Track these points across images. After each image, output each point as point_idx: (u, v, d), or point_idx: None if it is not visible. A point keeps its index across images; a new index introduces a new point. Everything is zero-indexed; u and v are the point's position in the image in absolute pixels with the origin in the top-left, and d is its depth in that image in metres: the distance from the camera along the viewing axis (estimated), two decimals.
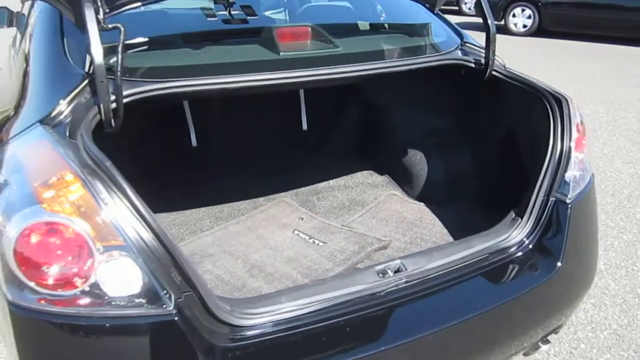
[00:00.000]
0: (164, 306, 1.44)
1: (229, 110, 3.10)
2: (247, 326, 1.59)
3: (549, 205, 2.03)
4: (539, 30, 11.84)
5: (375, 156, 3.31)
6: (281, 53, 2.12)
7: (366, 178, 3.18)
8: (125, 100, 1.78)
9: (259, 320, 1.61)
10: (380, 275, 1.81)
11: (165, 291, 1.45)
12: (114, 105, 1.74)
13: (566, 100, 2.13)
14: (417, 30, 2.73)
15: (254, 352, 1.53)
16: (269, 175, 3.12)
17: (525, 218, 2.04)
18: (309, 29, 2.37)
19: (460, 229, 2.60)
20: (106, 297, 1.41)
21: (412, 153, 3.01)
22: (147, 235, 1.45)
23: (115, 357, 1.45)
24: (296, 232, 2.64)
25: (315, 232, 2.64)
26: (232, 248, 2.48)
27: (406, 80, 2.91)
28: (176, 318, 1.45)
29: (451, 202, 2.86)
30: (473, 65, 2.43)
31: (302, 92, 3.00)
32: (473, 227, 2.63)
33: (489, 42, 2.33)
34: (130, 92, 1.81)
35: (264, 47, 2.20)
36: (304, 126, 3.09)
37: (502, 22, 12.08)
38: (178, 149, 3.02)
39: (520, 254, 2.00)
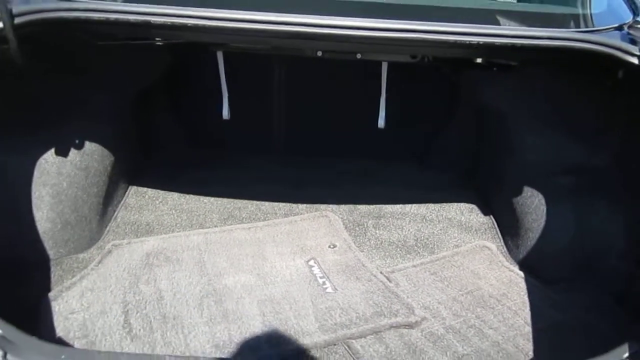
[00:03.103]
0: None
1: (284, 80, 2.41)
2: None
3: None
4: None
5: (485, 185, 2.30)
6: None
7: (461, 214, 2.21)
8: (21, 20, 1.27)
9: None
10: None
11: None
12: None
13: None
14: None
15: None
16: (321, 178, 2.37)
17: None
18: None
19: (556, 340, 1.53)
20: None
21: (529, 194, 1.95)
22: None
23: None
24: (311, 263, 1.87)
25: (337, 270, 1.83)
26: (212, 260, 1.83)
27: (541, 77, 1.90)
28: None
29: (570, 284, 1.77)
30: (637, 62, 1.34)
31: (384, 72, 2.15)
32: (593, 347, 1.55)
33: None
34: (31, 8, 1.29)
35: None
36: (381, 122, 2.24)
37: None
38: (206, 117, 2.44)
39: None
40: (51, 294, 1.58)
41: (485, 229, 2.12)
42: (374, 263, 1.91)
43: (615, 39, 1.36)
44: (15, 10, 1.26)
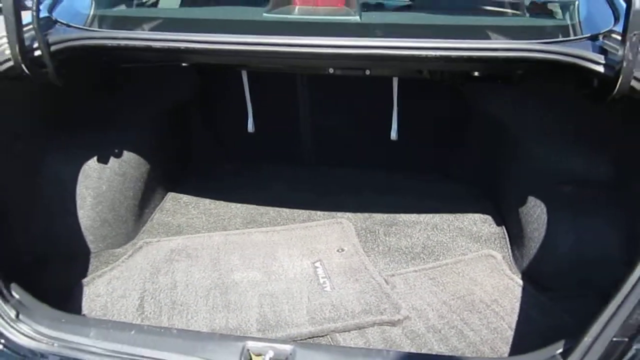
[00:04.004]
0: None
1: (308, 95, 2.58)
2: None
3: None
4: None
5: (496, 195, 2.33)
6: (264, 14, 1.57)
7: (473, 224, 2.25)
8: (55, 48, 1.55)
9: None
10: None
11: None
12: (37, 52, 1.54)
13: None
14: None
15: None
16: (341, 187, 2.50)
17: None
18: None
19: (536, 345, 1.56)
20: None
21: (532, 204, 1.97)
22: None
23: None
24: (317, 264, 2.01)
25: (339, 272, 1.95)
26: (227, 258, 2.02)
27: (542, 88, 1.95)
28: None
29: (568, 293, 1.78)
30: (602, 70, 1.38)
31: (395, 86, 2.26)
32: None
33: (627, 26, 1.27)
34: (62, 37, 1.56)
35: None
36: (393, 134, 2.33)
37: None
38: (236, 130, 2.65)
39: None
40: (85, 280, 1.85)
41: (495, 239, 2.15)
42: (377, 267, 2.01)
43: (580, 48, 1.39)
44: (50, 40, 1.54)
